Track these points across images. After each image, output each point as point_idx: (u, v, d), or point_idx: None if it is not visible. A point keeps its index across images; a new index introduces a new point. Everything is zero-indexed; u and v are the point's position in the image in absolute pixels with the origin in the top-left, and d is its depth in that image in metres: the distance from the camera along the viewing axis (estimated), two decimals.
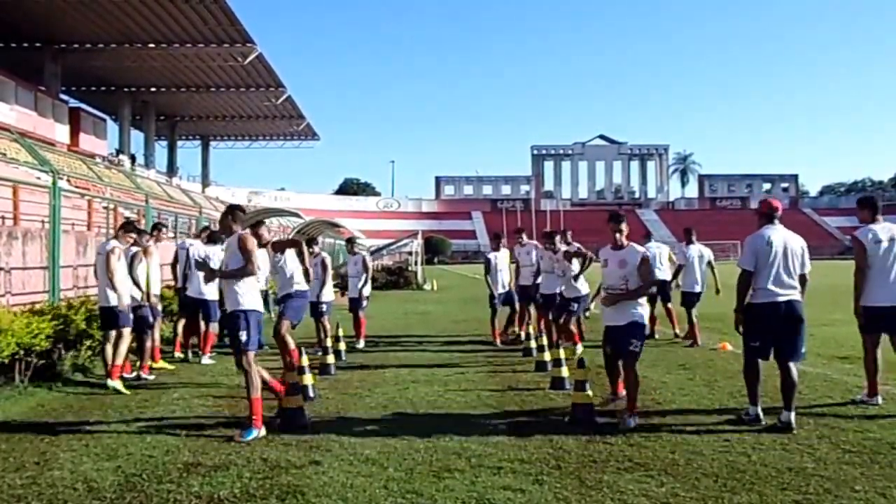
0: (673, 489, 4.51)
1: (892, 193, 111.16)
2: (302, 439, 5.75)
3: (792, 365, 6.03)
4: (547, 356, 8.75)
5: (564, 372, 7.73)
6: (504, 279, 11.76)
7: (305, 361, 7.39)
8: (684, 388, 7.66)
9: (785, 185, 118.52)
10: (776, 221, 6.30)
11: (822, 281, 28.18)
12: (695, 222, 10.96)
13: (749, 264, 6.13)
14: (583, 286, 10.00)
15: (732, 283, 6.55)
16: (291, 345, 8.12)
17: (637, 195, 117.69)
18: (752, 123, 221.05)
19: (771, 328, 6.06)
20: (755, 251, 6.14)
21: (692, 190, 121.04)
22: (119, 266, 8.13)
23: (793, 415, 5.92)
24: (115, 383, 7.84)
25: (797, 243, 6.24)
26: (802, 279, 6.22)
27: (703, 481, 4.65)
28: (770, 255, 6.07)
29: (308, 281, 8.83)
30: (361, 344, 11.39)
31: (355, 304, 11.89)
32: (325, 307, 10.72)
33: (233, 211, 6.32)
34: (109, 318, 8.09)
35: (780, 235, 6.19)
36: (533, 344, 9.77)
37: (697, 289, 11.48)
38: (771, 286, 6.01)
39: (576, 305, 10.02)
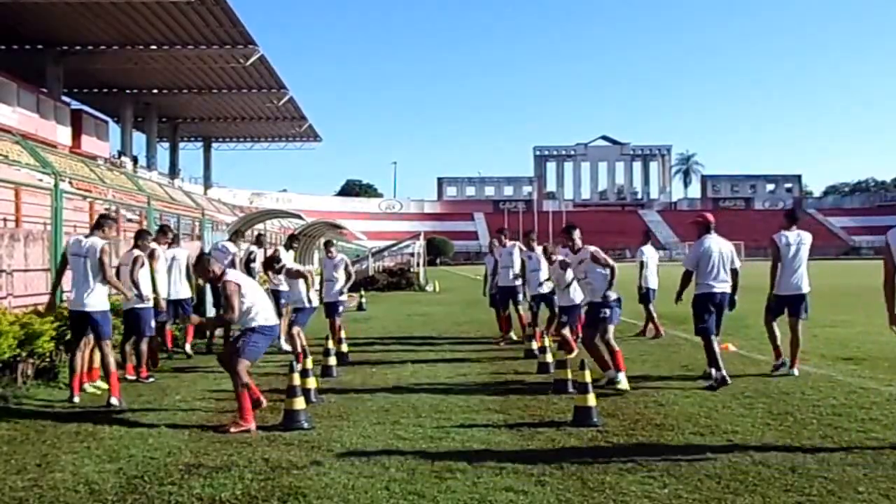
0: (675, 490, 4.49)
1: (895, 193, 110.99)
2: (304, 440, 5.75)
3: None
4: (549, 358, 8.74)
5: (567, 374, 7.70)
6: (543, 278, 11.05)
7: (310, 364, 7.38)
8: (687, 390, 7.64)
9: (788, 185, 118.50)
10: (712, 231, 8.05)
11: (826, 282, 28.12)
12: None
13: (692, 266, 7.96)
14: (576, 295, 9.28)
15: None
16: (244, 379, 6.37)
17: (640, 196, 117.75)
18: (755, 124, 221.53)
19: (711, 311, 7.85)
20: (698, 256, 7.93)
21: (695, 190, 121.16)
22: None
23: (721, 371, 7.63)
24: (87, 385, 7.86)
25: (727, 248, 8.05)
26: (734, 273, 7.98)
27: (706, 482, 4.63)
28: (709, 259, 7.86)
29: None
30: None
31: (332, 310, 11.32)
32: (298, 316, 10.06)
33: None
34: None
35: (716, 243, 7.98)
36: (535, 346, 9.75)
37: (648, 286, 12.34)
38: (710, 282, 7.83)
39: (566, 317, 9.66)
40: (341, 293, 11.56)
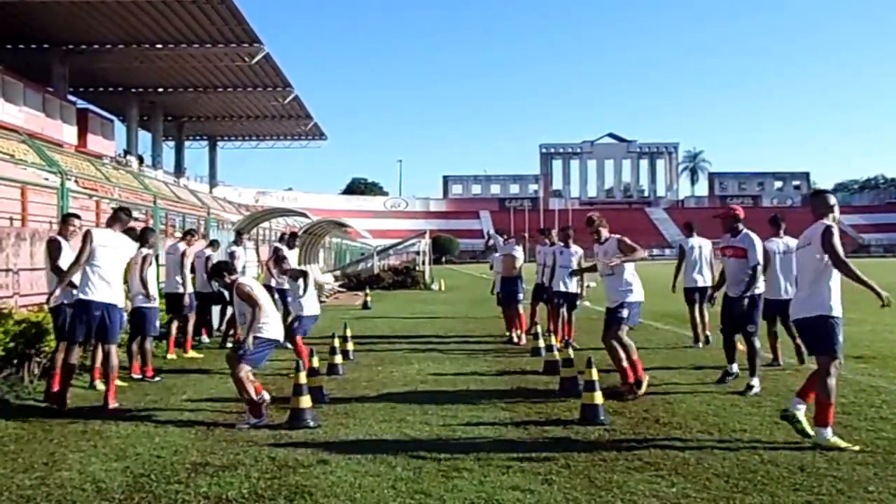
0: (683, 489, 4.46)
1: None
2: (310, 439, 5.74)
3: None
4: (557, 356, 8.70)
5: (574, 372, 7.66)
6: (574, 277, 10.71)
7: (316, 363, 7.37)
8: (696, 389, 7.60)
9: (796, 182, 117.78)
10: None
11: None
12: (705, 221, 11.23)
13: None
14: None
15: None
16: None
17: (646, 194, 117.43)
18: (762, 121, 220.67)
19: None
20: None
21: (702, 188, 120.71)
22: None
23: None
24: (97, 383, 7.94)
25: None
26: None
27: (714, 481, 4.60)
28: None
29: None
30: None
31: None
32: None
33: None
34: None
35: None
36: (541, 344, 9.72)
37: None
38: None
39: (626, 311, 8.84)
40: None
